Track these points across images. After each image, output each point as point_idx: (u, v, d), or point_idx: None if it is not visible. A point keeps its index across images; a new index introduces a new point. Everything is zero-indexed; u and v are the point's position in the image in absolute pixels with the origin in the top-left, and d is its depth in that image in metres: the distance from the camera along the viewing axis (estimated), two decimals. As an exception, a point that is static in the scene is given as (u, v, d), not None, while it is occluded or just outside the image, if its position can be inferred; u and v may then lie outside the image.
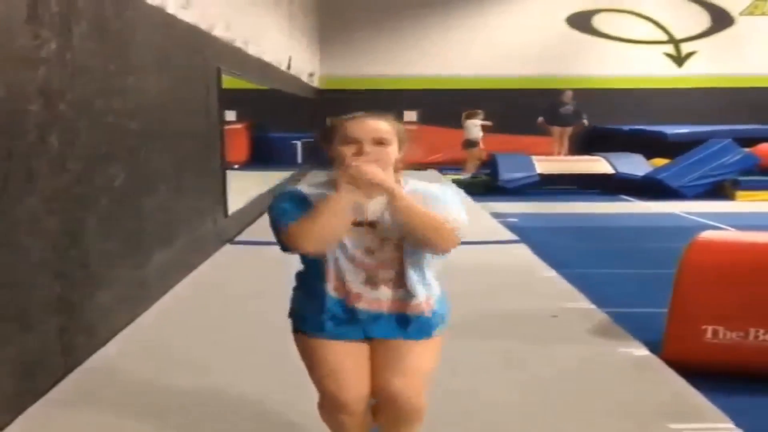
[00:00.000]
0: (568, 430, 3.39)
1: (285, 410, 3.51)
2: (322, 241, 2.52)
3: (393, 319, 2.66)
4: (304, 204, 2.56)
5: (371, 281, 2.62)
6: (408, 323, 2.66)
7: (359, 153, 2.51)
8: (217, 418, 3.49)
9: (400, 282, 2.62)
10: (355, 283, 2.61)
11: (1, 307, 3.38)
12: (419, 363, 2.68)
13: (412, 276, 2.61)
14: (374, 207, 2.56)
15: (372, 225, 2.58)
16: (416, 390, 2.65)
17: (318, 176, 2.68)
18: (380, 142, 2.54)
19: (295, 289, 2.81)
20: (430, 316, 2.68)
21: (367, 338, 2.69)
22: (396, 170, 2.62)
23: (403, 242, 2.59)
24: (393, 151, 2.59)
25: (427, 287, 2.67)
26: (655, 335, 4.52)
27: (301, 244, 2.52)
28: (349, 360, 2.67)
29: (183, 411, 3.56)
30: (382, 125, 2.58)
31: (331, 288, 2.62)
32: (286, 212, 2.55)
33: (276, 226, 2.57)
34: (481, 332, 4.69)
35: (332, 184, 2.52)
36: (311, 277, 2.68)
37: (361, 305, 2.62)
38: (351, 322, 2.64)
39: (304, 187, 2.67)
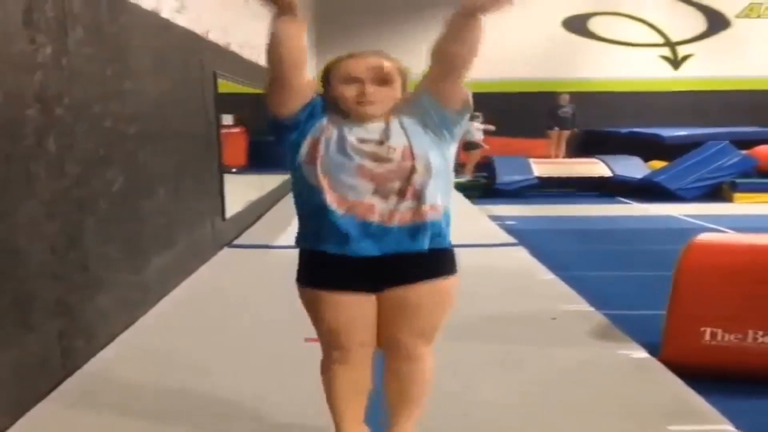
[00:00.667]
0: (567, 433, 3.39)
1: (284, 412, 3.50)
2: (281, 73, 2.49)
3: (405, 231, 2.54)
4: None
5: (381, 192, 2.51)
6: (418, 232, 2.54)
7: (361, 92, 2.44)
8: (217, 421, 3.48)
9: (409, 191, 2.50)
10: (365, 195, 2.50)
11: (0, 310, 3.38)
12: (429, 317, 2.65)
13: (426, 183, 2.50)
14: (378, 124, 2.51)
15: (379, 142, 2.50)
16: (425, 346, 2.68)
17: None
18: (383, 81, 2.48)
19: (298, 241, 2.72)
20: (441, 219, 2.60)
21: (377, 291, 2.63)
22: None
23: (411, 149, 2.49)
24: (396, 90, 2.53)
25: (435, 195, 2.55)
26: (653, 337, 4.53)
27: (271, 93, 2.55)
28: (355, 309, 2.63)
29: (182, 414, 3.55)
30: (384, 62, 2.50)
31: (335, 206, 2.50)
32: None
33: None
34: (480, 334, 4.68)
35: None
36: (312, 210, 2.57)
37: (374, 218, 2.51)
38: (364, 237, 2.52)
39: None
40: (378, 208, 2.51)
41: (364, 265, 2.57)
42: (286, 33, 2.42)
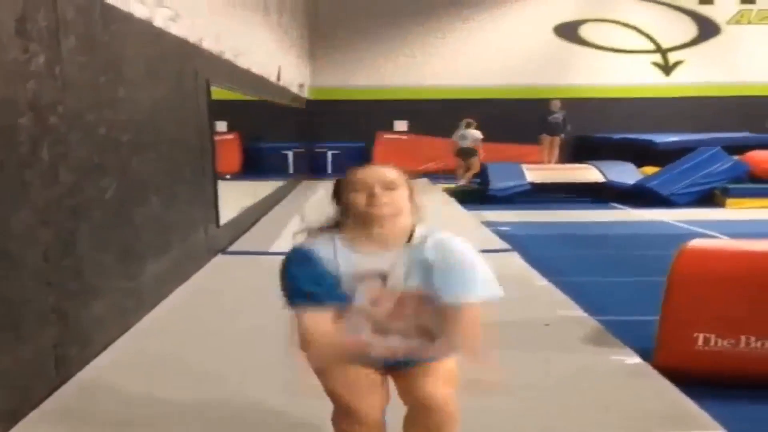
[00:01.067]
0: (561, 439, 3.40)
1: (281, 418, 3.50)
2: (319, 360, 2.60)
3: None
4: (316, 268, 2.57)
5: (381, 331, 2.63)
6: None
7: (371, 197, 2.52)
8: (212, 427, 3.50)
9: (416, 331, 2.62)
10: (362, 332, 2.62)
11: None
12: (446, 366, 2.67)
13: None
14: (388, 259, 2.58)
15: (383, 277, 2.59)
16: (448, 394, 2.65)
17: (319, 221, 2.71)
18: (389, 187, 2.56)
19: None
20: None
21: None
22: (413, 221, 2.64)
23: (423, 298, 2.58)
24: (403, 195, 2.60)
25: None
26: (647, 343, 4.53)
27: (302, 346, 2.57)
28: (364, 371, 2.68)
29: (177, 421, 3.55)
30: (388, 171, 2.61)
31: None
32: (298, 280, 2.58)
33: (289, 301, 2.60)
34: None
35: (336, 232, 2.61)
36: None
37: (374, 353, 2.64)
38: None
39: (313, 244, 2.64)
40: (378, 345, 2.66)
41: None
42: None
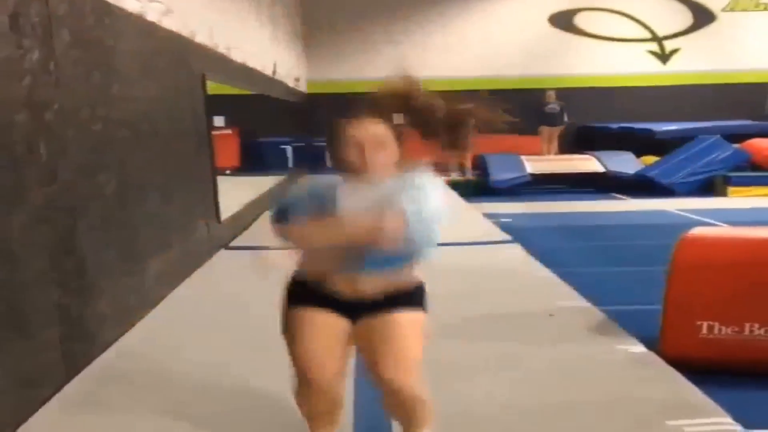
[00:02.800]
0: (566, 428, 3.38)
1: (288, 413, 3.49)
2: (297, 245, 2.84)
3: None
4: (302, 191, 2.87)
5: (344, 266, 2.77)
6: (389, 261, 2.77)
7: (362, 154, 2.74)
8: (219, 421, 3.49)
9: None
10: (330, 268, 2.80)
11: (0, 316, 3.37)
12: (407, 348, 2.79)
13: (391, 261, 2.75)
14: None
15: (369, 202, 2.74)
16: (408, 379, 2.78)
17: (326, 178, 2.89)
18: (380, 145, 2.77)
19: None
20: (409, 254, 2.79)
21: (353, 319, 2.85)
22: (400, 166, 2.82)
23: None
24: (392, 151, 2.80)
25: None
26: (651, 332, 4.52)
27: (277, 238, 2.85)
28: (324, 336, 2.84)
29: (184, 415, 3.55)
30: (379, 129, 2.80)
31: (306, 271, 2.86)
32: (282, 203, 2.90)
33: (274, 216, 2.90)
34: (477, 332, 4.68)
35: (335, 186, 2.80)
36: None
37: (341, 291, 2.81)
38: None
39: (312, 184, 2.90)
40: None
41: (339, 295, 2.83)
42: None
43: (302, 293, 2.88)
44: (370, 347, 2.82)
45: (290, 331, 2.89)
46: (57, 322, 3.88)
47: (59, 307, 3.91)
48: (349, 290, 2.80)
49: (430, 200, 2.69)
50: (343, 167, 2.81)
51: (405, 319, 2.81)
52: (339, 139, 2.81)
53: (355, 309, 2.82)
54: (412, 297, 2.87)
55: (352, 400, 3.58)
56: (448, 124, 2.93)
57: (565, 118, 17.75)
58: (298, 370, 2.89)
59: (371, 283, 2.79)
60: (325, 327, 2.84)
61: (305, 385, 2.90)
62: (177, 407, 3.65)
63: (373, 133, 2.78)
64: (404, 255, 2.76)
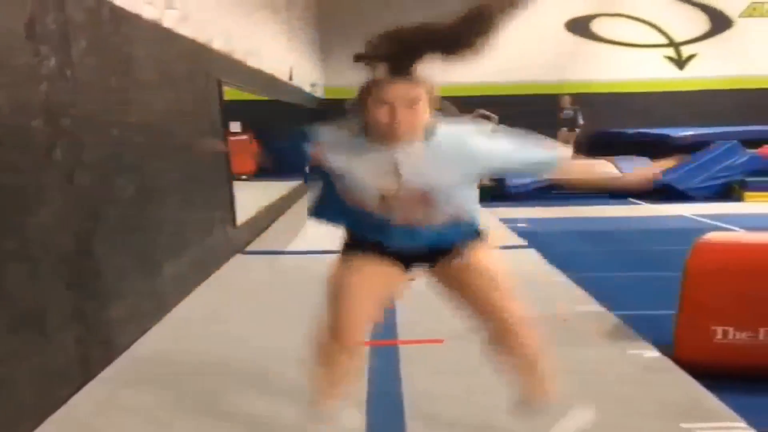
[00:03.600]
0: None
1: (304, 415, 3.50)
2: None
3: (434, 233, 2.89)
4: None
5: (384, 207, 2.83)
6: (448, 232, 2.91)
7: (392, 114, 2.68)
8: (237, 424, 3.51)
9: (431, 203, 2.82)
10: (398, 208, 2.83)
11: (18, 319, 3.41)
12: (503, 277, 3.00)
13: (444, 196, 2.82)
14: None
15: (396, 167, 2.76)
16: (517, 306, 3.04)
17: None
18: (410, 104, 2.70)
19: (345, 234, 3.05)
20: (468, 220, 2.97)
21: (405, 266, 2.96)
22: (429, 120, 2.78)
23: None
24: (423, 109, 2.74)
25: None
26: (666, 337, 4.51)
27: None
28: (366, 287, 2.91)
29: (200, 419, 3.57)
30: (411, 89, 2.72)
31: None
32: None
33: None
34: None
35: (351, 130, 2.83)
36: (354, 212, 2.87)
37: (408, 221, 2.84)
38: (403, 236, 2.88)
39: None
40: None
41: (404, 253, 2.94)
42: None
43: (358, 244, 2.95)
44: (466, 284, 2.95)
45: (336, 282, 2.94)
46: (74, 325, 3.92)
47: (76, 309, 3.95)
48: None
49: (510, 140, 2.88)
50: (371, 131, 2.77)
51: (488, 254, 3.00)
52: (367, 101, 2.75)
53: (411, 257, 2.93)
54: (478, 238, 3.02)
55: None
56: (467, 25, 2.77)
57: (580, 121, 17.71)
58: (331, 310, 2.93)
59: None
60: (372, 276, 2.91)
61: (332, 339, 2.92)
62: (193, 411, 3.67)
63: (405, 93, 2.71)
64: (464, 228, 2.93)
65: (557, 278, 6.38)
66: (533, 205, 13.70)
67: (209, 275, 6.67)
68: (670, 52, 20.58)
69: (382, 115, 2.69)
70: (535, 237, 8.92)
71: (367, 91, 2.76)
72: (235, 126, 8.66)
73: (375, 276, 2.92)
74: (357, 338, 2.95)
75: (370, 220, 2.84)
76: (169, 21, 6.10)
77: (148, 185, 5.22)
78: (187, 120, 6.43)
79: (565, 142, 17.61)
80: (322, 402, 3.06)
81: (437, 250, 2.94)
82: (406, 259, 2.97)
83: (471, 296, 2.98)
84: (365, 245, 2.92)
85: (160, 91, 5.65)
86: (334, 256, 3.01)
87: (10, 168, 3.42)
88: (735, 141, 14.91)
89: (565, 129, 17.62)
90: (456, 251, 2.94)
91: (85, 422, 3.59)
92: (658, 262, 7.73)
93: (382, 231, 2.86)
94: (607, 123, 18.82)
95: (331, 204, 2.94)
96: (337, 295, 2.91)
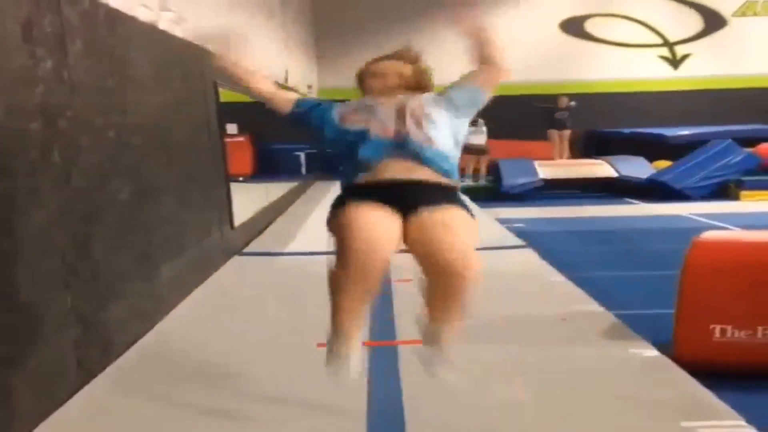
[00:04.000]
0: (581, 431, 3.38)
1: (303, 417, 3.51)
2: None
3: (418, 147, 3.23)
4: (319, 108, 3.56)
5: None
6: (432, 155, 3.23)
7: (384, 85, 3.38)
8: (234, 425, 3.49)
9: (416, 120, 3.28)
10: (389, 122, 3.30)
11: (16, 321, 3.40)
12: (467, 234, 3.10)
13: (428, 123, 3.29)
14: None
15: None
16: (470, 261, 3.05)
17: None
18: (401, 76, 3.41)
19: (341, 186, 3.36)
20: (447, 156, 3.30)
21: (408, 211, 3.11)
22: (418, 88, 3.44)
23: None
24: (407, 76, 3.45)
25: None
26: (664, 336, 4.52)
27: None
28: (380, 222, 3.05)
29: (199, 421, 3.55)
30: (402, 66, 3.47)
31: (371, 131, 3.26)
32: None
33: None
34: (490, 336, 4.67)
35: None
36: (348, 150, 3.30)
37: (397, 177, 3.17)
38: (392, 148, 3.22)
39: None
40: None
41: (393, 189, 3.14)
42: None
43: (358, 192, 3.16)
44: (431, 233, 3.03)
45: (343, 221, 3.07)
46: (71, 327, 3.90)
47: (74, 311, 3.93)
48: (404, 176, 3.14)
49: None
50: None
51: (461, 213, 3.15)
52: (364, 78, 3.46)
53: (409, 201, 3.10)
54: (459, 200, 3.26)
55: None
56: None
57: (569, 124, 17.68)
58: (350, 252, 2.99)
59: (424, 173, 3.16)
60: (382, 217, 3.06)
61: (354, 263, 2.99)
62: (191, 413, 3.66)
63: (394, 66, 3.44)
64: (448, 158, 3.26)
65: (555, 278, 6.37)
66: (530, 206, 13.71)
67: (207, 277, 6.65)
68: (665, 51, 20.62)
69: (376, 83, 3.39)
70: (532, 237, 8.92)
71: (365, 69, 3.49)
72: (232, 128, 8.66)
73: (376, 208, 3.08)
74: (381, 255, 3.02)
75: (366, 149, 3.23)
76: (165, 23, 6.09)
77: (144, 187, 5.21)
78: (184, 121, 6.42)
79: (558, 142, 17.63)
80: (342, 343, 3.14)
81: (417, 189, 3.15)
82: (393, 201, 3.12)
83: (427, 242, 3.05)
84: (358, 190, 3.18)
85: (156, 93, 5.65)
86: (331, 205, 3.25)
87: (7, 170, 3.40)
88: (730, 140, 14.96)
89: (555, 130, 17.62)
90: (430, 201, 3.11)
91: (82, 424, 3.58)
92: (656, 262, 7.75)
93: (376, 149, 3.20)
94: (602, 123, 18.86)
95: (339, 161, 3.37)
96: (346, 226, 3.03)
